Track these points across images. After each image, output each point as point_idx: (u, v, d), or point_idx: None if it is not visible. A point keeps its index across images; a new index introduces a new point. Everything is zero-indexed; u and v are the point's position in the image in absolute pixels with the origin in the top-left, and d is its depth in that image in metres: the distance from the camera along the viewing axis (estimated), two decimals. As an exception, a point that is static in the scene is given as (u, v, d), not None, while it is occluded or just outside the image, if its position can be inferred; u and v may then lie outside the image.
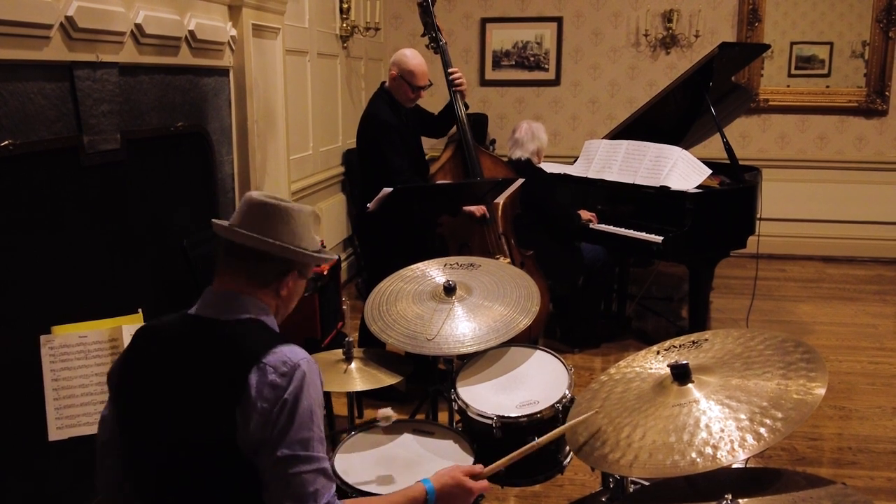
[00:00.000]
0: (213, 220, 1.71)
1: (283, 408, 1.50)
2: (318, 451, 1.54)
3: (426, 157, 4.37)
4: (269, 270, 1.66)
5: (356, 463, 2.11)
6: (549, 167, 5.11)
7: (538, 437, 2.10)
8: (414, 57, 3.99)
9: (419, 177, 4.07)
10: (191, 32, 3.32)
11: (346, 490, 1.97)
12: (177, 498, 1.60)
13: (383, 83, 4.13)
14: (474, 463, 2.01)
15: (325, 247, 1.80)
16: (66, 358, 2.13)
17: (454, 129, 4.28)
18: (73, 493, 2.68)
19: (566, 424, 1.94)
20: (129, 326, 2.18)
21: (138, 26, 2.94)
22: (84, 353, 2.14)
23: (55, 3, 2.49)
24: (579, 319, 4.91)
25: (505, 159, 4.68)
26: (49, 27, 2.46)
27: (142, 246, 3.05)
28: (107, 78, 2.79)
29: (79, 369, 2.13)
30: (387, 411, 2.18)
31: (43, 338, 2.13)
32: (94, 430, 2.10)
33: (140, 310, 2.27)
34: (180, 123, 3.33)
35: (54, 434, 2.10)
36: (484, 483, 1.82)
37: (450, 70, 4.18)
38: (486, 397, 2.34)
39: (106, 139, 2.79)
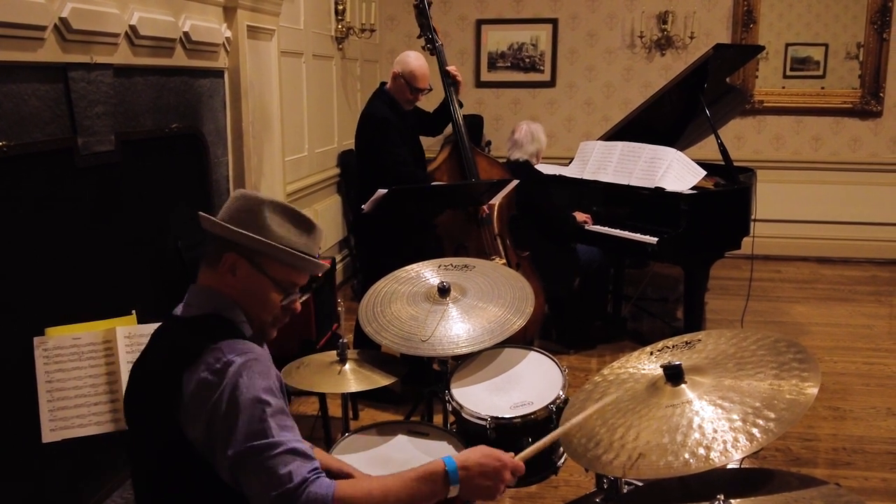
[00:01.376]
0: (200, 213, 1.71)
1: (218, 406, 1.45)
2: (279, 436, 1.45)
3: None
4: (212, 249, 1.65)
5: (350, 464, 2.11)
6: (545, 168, 5.11)
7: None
8: (417, 59, 4.03)
9: (422, 171, 4.08)
10: (185, 34, 3.32)
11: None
12: (153, 494, 1.62)
13: (383, 83, 4.16)
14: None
15: (317, 256, 1.76)
16: (60, 359, 2.13)
17: (450, 130, 4.29)
18: (69, 495, 2.68)
19: (596, 406, 1.77)
20: (122, 328, 2.18)
21: (133, 28, 2.94)
22: (78, 354, 2.14)
23: (49, 4, 2.48)
24: (575, 321, 4.91)
25: (503, 160, 4.68)
26: (43, 28, 2.46)
27: (137, 247, 3.04)
28: (101, 79, 2.79)
29: (72, 371, 2.12)
30: None
31: (37, 339, 2.12)
32: (87, 431, 2.10)
33: (134, 311, 2.27)
34: (175, 125, 3.33)
35: (48, 436, 2.09)
36: (518, 462, 1.64)
37: (447, 66, 4.21)
38: (481, 398, 2.35)
39: (100, 141, 2.79)
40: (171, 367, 1.52)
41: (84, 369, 2.14)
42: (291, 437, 1.47)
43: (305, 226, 1.68)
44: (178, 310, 1.68)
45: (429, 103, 4.31)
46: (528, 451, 1.71)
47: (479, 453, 1.59)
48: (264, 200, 1.65)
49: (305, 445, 1.49)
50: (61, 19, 2.54)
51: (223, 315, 1.62)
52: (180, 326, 1.63)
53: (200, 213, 1.66)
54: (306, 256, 1.66)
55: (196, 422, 1.47)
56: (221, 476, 1.48)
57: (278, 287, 1.66)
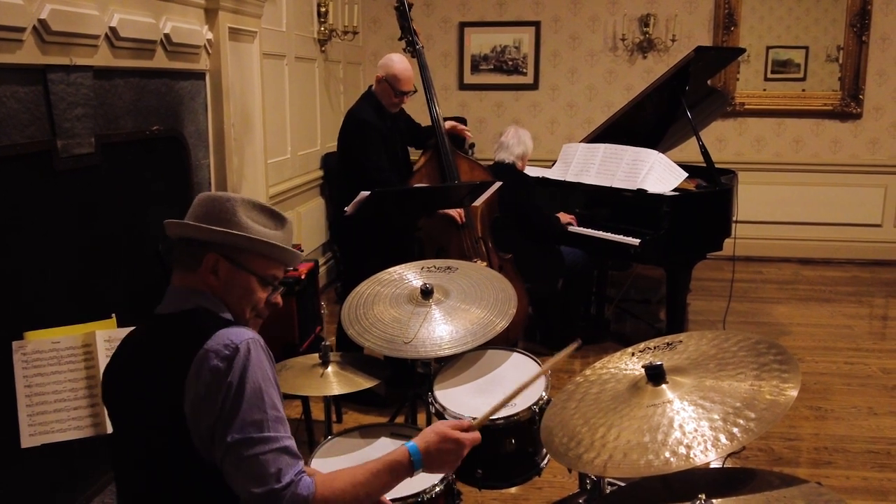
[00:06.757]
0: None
1: (228, 391, 1.46)
2: (275, 431, 1.49)
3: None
4: (187, 252, 1.65)
5: (333, 468, 2.10)
6: (528, 170, 5.12)
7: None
8: (400, 62, 4.05)
9: (399, 178, 4.08)
10: (166, 36, 3.30)
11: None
12: (146, 496, 1.60)
13: (371, 86, 4.17)
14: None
15: (301, 250, 1.77)
16: (39, 364, 2.11)
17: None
18: (49, 501, 2.65)
19: (547, 364, 1.95)
20: (102, 332, 2.16)
21: (113, 29, 2.92)
22: (57, 358, 2.12)
23: (28, 5, 2.46)
24: (558, 322, 4.92)
25: (487, 163, 4.69)
26: (22, 30, 2.44)
27: (116, 251, 3.02)
28: (81, 81, 2.76)
29: (52, 375, 2.10)
30: None
31: (15, 343, 2.11)
32: (67, 436, 2.09)
33: (114, 315, 2.25)
34: (156, 127, 3.31)
35: (27, 441, 2.07)
36: (475, 434, 1.70)
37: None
38: (464, 400, 2.35)
39: (80, 143, 2.76)
40: (174, 360, 1.51)
41: (64, 373, 2.12)
42: (283, 432, 1.50)
43: (277, 218, 1.72)
44: (161, 308, 1.66)
45: (415, 106, 4.31)
46: (483, 418, 1.80)
47: (439, 437, 1.65)
48: (233, 198, 1.66)
49: (293, 442, 1.52)
50: (40, 21, 2.51)
51: (209, 308, 1.62)
52: (171, 322, 1.61)
53: (168, 220, 1.64)
54: (286, 247, 1.69)
55: (207, 409, 1.47)
56: (217, 464, 1.49)
57: (262, 282, 1.68)
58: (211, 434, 1.47)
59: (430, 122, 4.25)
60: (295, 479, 1.47)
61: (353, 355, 2.72)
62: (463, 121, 7.27)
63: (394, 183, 3.96)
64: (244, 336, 1.52)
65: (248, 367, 1.48)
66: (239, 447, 1.45)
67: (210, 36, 3.72)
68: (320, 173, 6.22)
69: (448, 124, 4.29)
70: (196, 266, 1.64)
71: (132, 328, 1.78)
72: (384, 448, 2.21)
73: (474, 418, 1.77)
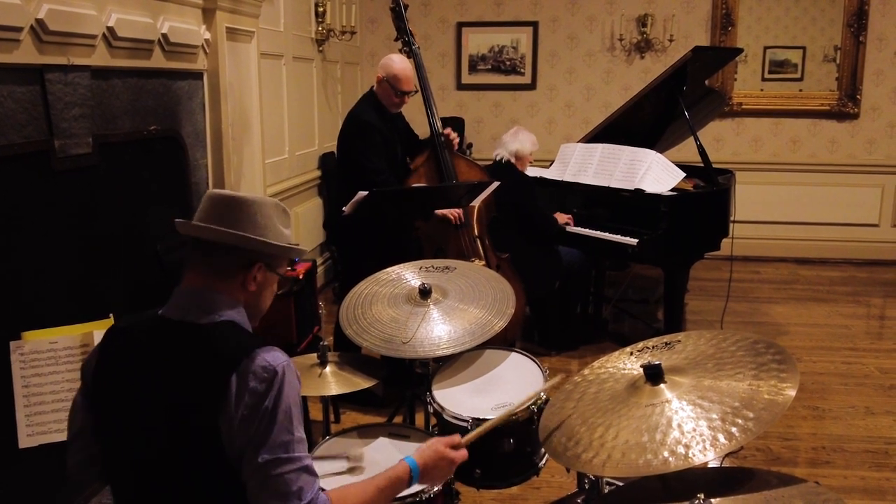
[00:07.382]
0: (177, 220, 1.69)
1: (264, 413, 1.51)
2: (299, 451, 1.55)
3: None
4: (231, 262, 1.65)
5: (331, 467, 2.10)
6: (526, 171, 5.13)
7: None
8: (400, 62, 4.06)
9: (397, 180, 4.08)
10: (164, 36, 3.29)
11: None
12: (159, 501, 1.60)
13: (372, 87, 4.17)
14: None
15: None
16: (37, 364, 2.10)
17: (428, 133, 4.30)
18: (46, 501, 2.65)
19: (537, 390, 2.10)
20: (100, 332, 2.15)
21: (110, 29, 2.91)
22: (55, 359, 2.12)
23: (25, 5, 2.46)
24: (556, 322, 4.92)
25: (485, 163, 4.70)
26: (19, 30, 2.43)
27: (114, 251, 3.02)
28: (78, 81, 2.76)
29: (49, 375, 2.10)
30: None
31: (13, 344, 2.10)
32: (65, 436, 2.08)
33: (112, 315, 2.25)
34: (153, 127, 3.31)
35: (25, 441, 2.07)
36: (463, 452, 1.86)
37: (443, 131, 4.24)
38: (462, 400, 2.35)
39: (77, 143, 2.76)
40: (214, 375, 1.52)
41: (61, 374, 2.12)
42: (305, 451, 1.57)
43: (288, 217, 1.78)
44: (176, 312, 1.64)
45: (410, 107, 4.31)
46: (471, 436, 1.93)
47: (436, 455, 1.81)
48: (266, 202, 1.71)
49: (311, 461, 1.59)
50: (38, 21, 2.51)
51: (237, 321, 1.65)
52: (200, 333, 1.59)
53: (225, 229, 1.62)
54: (302, 248, 1.80)
55: (238, 428, 1.50)
56: (241, 477, 1.53)
57: (280, 279, 1.79)
58: (242, 447, 1.51)
59: (426, 122, 4.25)
60: (314, 497, 1.55)
61: (350, 355, 2.72)
62: (461, 122, 7.32)
63: (392, 185, 3.96)
64: (280, 360, 1.56)
65: (284, 392, 1.54)
66: (268, 466, 1.50)
67: (208, 36, 3.72)
68: (318, 173, 6.22)
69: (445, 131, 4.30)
70: (234, 273, 1.66)
71: (124, 327, 1.75)
72: (382, 448, 2.21)
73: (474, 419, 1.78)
